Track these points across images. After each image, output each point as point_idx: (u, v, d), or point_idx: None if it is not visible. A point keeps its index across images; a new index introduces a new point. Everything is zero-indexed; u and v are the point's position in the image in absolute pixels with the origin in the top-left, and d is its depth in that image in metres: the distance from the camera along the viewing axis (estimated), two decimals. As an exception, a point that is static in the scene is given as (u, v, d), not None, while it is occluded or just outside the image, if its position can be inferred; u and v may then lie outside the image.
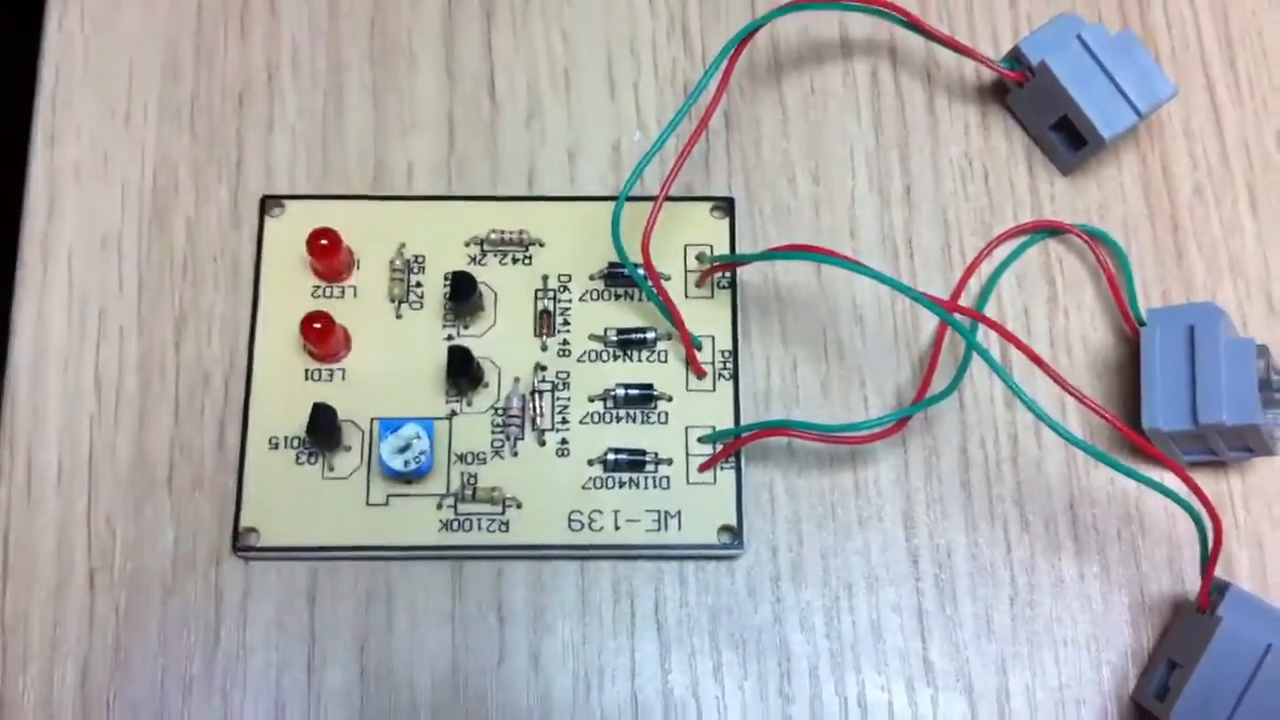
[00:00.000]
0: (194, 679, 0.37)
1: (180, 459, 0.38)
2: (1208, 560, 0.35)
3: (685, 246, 0.40)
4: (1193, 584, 0.38)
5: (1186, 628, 0.36)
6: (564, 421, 0.38)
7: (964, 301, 0.40)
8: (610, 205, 0.38)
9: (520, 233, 0.40)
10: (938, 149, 0.42)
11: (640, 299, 0.39)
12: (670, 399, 0.39)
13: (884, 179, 0.42)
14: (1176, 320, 0.38)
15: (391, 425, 0.37)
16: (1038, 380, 0.38)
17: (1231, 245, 0.41)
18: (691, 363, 0.39)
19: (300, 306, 0.38)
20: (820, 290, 0.40)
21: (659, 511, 0.38)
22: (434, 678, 0.37)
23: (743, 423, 0.38)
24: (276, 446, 0.38)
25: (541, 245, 0.40)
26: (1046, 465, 0.39)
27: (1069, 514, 0.39)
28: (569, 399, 0.38)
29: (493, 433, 0.38)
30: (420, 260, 0.40)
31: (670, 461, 0.38)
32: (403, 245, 0.40)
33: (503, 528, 0.37)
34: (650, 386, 0.38)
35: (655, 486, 0.38)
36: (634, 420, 0.38)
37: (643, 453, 0.38)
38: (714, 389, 0.39)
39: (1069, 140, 0.41)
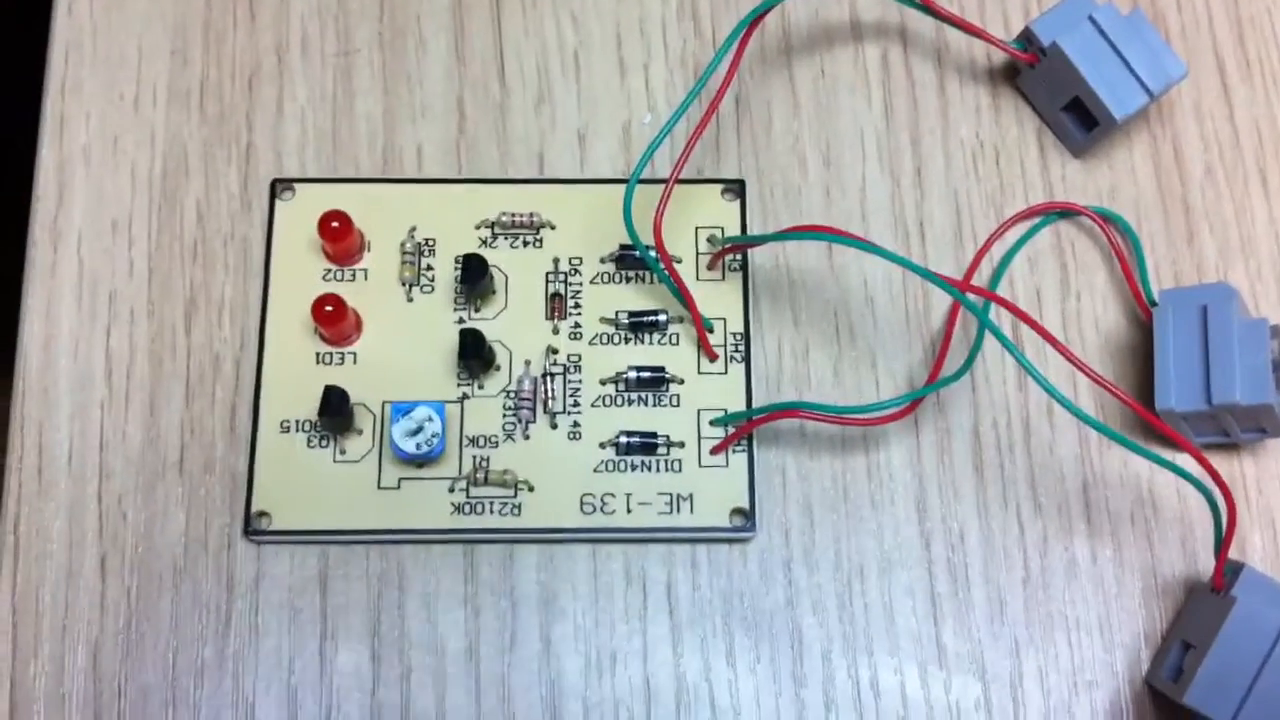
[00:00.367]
0: (205, 662, 0.37)
1: (191, 442, 0.38)
2: (1222, 540, 0.35)
3: (696, 229, 0.40)
4: (1205, 566, 0.38)
5: (1200, 609, 0.36)
6: (576, 404, 0.38)
7: (975, 284, 0.40)
8: (619, 188, 0.38)
9: (531, 215, 0.40)
10: (948, 131, 0.42)
11: (651, 281, 0.39)
12: (682, 382, 0.38)
13: (895, 161, 0.41)
14: (1189, 301, 0.38)
15: (403, 408, 0.37)
16: (1050, 363, 0.38)
17: (1243, 226, 0.41)
18: (703, 345, 0.39)
19: (311, 290, 0.38)
20: (831, 273, 0.40)
21: (671, 494, 0.38)
22: (446, 661, 0.37)
23: (754, 405, 0.38)
24: (288, 430, 0.38)
25: (552, 228, 0.40)
26: (1059, 448, 0.39)
27: (1081, 496, 0.38)
28: (580, 382, 0.38)
29: (504, 416, 0.38)
30: (431, 243, 0.39)
31: (682, 444, 0.38)
32: (413, 228, 0.40)
33: (515, 511, 0.37)
34: (662, 369, 0.38)
35: (667, 469, 0.38)
36: (646, 403, 0.38)
37: (654, 435, 0.38)
38: (726, 371, 0.39)
39: (1080, 121, 0.41)
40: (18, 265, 0.40)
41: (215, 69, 0.42)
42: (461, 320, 0.39)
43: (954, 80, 0.42)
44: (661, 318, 0.39)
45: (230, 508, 0.38)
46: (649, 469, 0.38)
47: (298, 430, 0.38)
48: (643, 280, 0.39)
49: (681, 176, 0.37)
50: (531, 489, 0.37)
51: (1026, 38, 0.41)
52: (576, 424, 0.38)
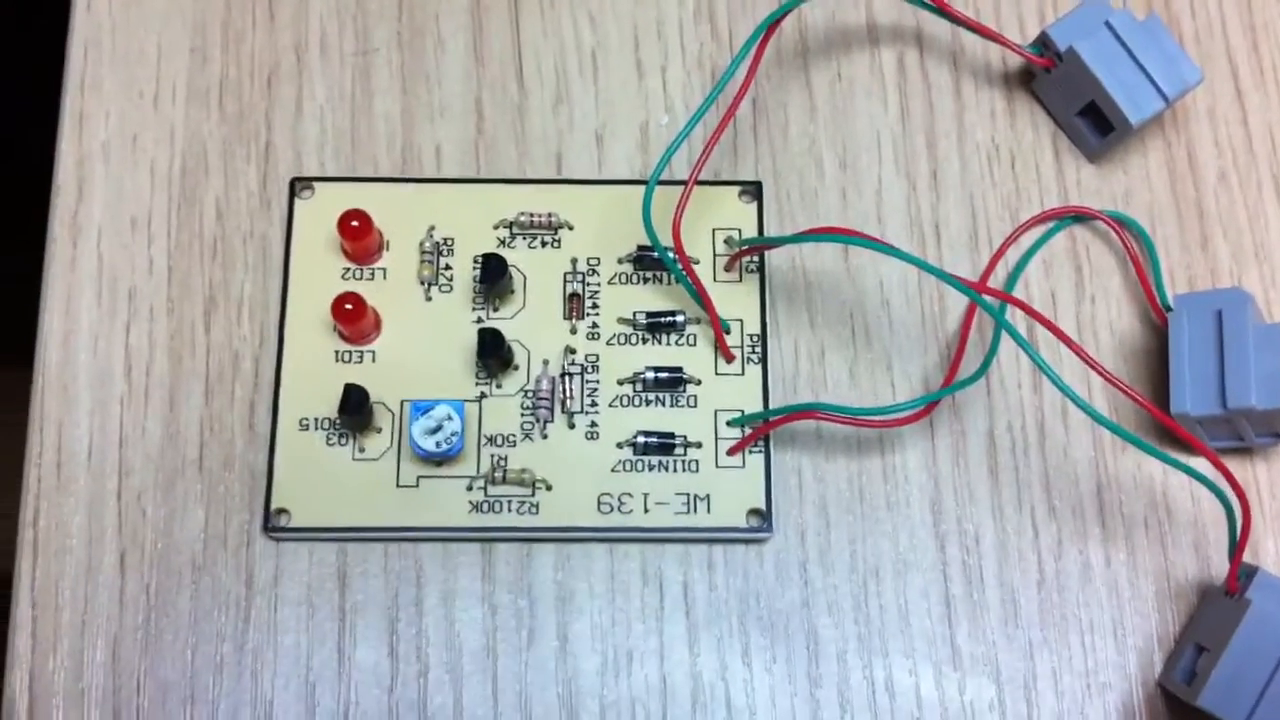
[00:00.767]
0: (224, 658, 0.37)
1: (210, 439, 0.38)
2: (1236, 543, 0.35)
3: (714, 230, 0.40)
4: (1218, 569, 0.38)
5: (1214, 611, 0.36)
6: (593, 404, 0.38)
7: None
8: (637, 189, 0.38)
9: (549, 215, 0.40)
10: (964, 134, 0.42)
11: (669, 282, 0.40)
12: (699, 382, 0.39)
13: (911, 164, 0.42)
14: (1204, 306, 0.38)
15: (423, 406, 0.37)
16: (1064, 366, 0.38)
17: (1257, 231, 0.41)
18: (720, 346, 0.39)
19: (330, 288, 0.38)
20: (848, 275, 0.40)
21: (688, 495, 0.38)
22: (464, 659, 0.37)
23: (771, 406, 0.39)
24: (307, 428, 0.38)
25: (570, 228, 0.40)
26: (1074, 451, 0.39)
27: (1096, 499, 0.39)
28: (598, 382, 0.39)
29: (522, 415, 0.38)
30: (450, 243, 0.40)
31: (699, 445, 0.38)
32: (432, 228, 0.40)
33: (532, 510, 0.38)
34: (679, 370, 0.39)
35: (684, 470, 0.38)
36: (663, 403, 0.39)
37: (672, 436, 0.38)
38: (743, 373, 0.39)
39: (1095, 126, 0.41)
40: (34, 262, 0.40)
41: (235, 67, 0.42)
42: (480, 320, 0.39)
43: (969, 84, 0.43)
44: (679, 318, 0.39)
45: (249, 505, 0.38)
46: (666, 469, 0.38)
47: (317, 428, 0.38)
48: (660, 281, 0.40)
49: (699, 178, 0.38)
50: (549, 488, 0.38)
51: (1042, 42, 0.41)
52: (594, 424, 0.38)
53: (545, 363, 0.39)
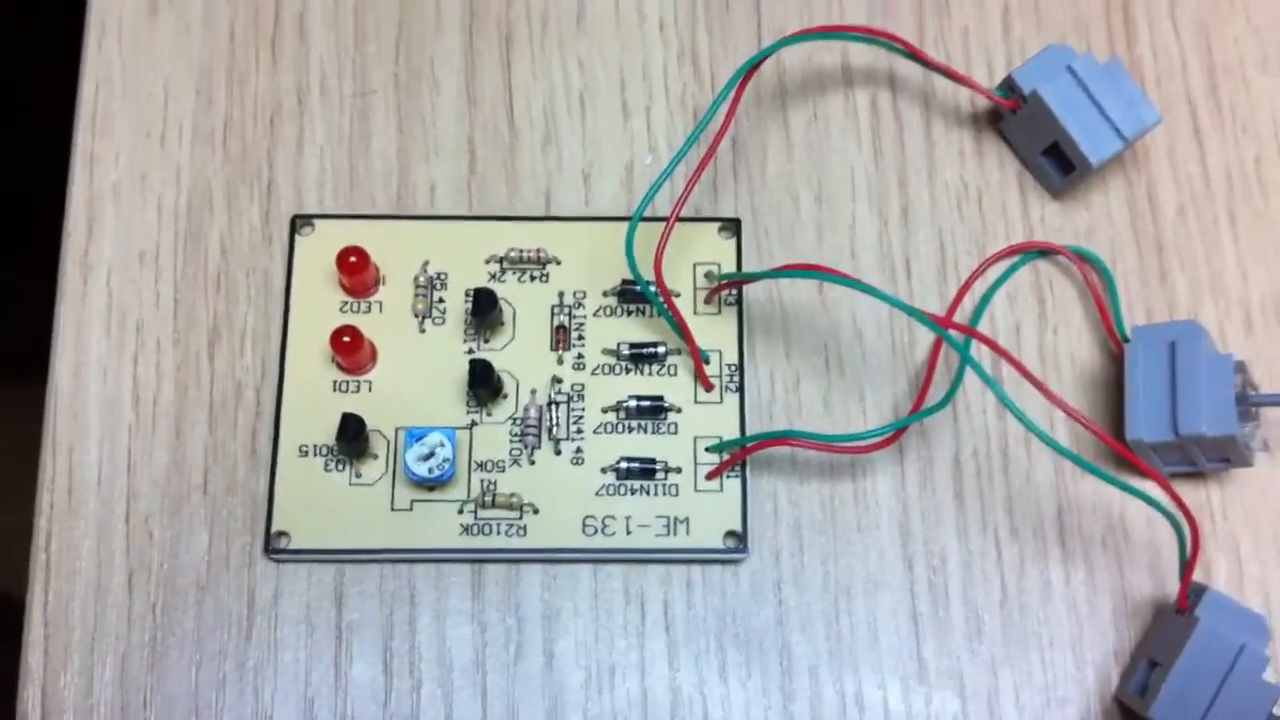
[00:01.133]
0: (227, 674, 0.39)
1: (214, 465, 0.40)
2: (1186, 564, 0.37)
3: (694, 265, 0.42)
4: (1173, 588, 0.39)
5: (1166, 628, 0.38)
6: (579, 431, 0.40)
7: (958, 319, 0.42)
8: (622, 225, 0.40)
9: (538, 251, 0.42)
10: (934, 173, 0.44)
11: (652, 315, 0.41)
12: (680, 410, 0.41)
13: (883, 201, 0.43)
14: (1159, 337, 0.40)
15: (416, 434, 0.39)
16: (1027, 395, 0.40)
17: (1213, 265, 0.43)
18: (700, 376, 0.41)
19: (329, 321, 0.40)
20: (822, 307, 0.42)
21: (668, 517, 0.40)
22: (454, 674, 0.39)
23: (748, 434, 0.40)
24: (306, 454, 0.40)
25: (558, 263, 0.42)
26: (1035, 475, 0.41)
27: (1056, 522, 0.41)
28: (584, 410, 0.40)
29: (511, 442, 0.40)
30: (443, 277, 0.42)
31: (679, 470, 0.40)
32: (426, 263, 0.42)
33: (520, 532, 0.39)
34: (661, 399, 0.40)
35: (665, 494, 0.40)
36: (645, 431, 0.40)
37: (653, 461, 0.40)
38: (721, 401, 0.41)
39: (1059, 165, 0.43)
40: (31, 267, 0.40)
41: (238, 109, 0.44)
42: (471, 351, 0.41)
43: (940, 124, 0.44)
44: (661, 349, 0.41)
45: (251, 528, 0.40)
46: (647, 493, 0.40)
47: (316, 454, 0.40)
48: (643, 314, 0.41)
49: (681, 215, 0.39)
50: (536, 511, 0.40)
51: (1009, 85, 0.43)
52: (579, 450, 0.40)
53: (533, 392, 0.41)
